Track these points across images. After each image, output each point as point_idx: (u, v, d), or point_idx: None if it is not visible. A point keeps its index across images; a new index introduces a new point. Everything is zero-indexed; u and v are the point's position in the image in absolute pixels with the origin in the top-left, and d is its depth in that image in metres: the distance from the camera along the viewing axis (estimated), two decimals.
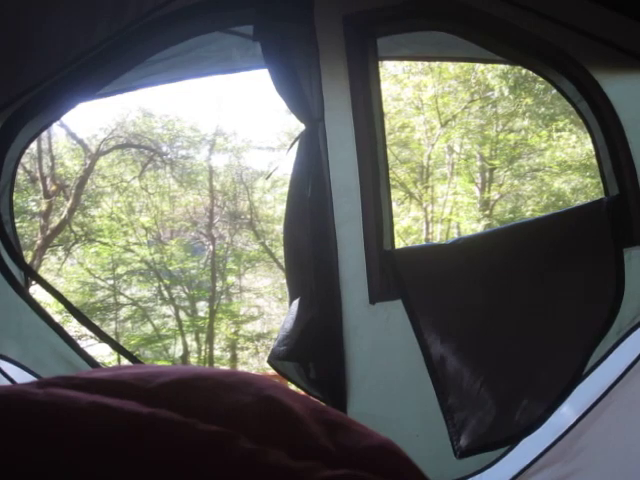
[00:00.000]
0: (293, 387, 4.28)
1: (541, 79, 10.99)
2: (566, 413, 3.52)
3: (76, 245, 16.84)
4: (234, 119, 22.33)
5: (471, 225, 16.33)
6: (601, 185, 3.65)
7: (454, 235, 16.35)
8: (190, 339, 16.83)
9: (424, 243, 14.73)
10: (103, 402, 1.10)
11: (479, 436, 3.45)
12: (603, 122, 3.53)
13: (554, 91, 13.36)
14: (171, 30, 3.60)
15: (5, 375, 4.02)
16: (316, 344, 3.70)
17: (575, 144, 15.40)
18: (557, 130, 15.48)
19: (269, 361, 3.85)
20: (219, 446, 1.05)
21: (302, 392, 3.88)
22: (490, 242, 3.84)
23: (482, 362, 3.52)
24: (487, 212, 16.43)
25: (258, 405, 1.17)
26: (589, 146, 13.46)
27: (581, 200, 15.33)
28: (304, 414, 1.19)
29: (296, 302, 3.72)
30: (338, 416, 1.27)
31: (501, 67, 14.02)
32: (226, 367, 17.12)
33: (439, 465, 3.51)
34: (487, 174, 16.95)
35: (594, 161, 3.89)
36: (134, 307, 16.90)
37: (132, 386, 1.18)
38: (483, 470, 3.73)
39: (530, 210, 16.16)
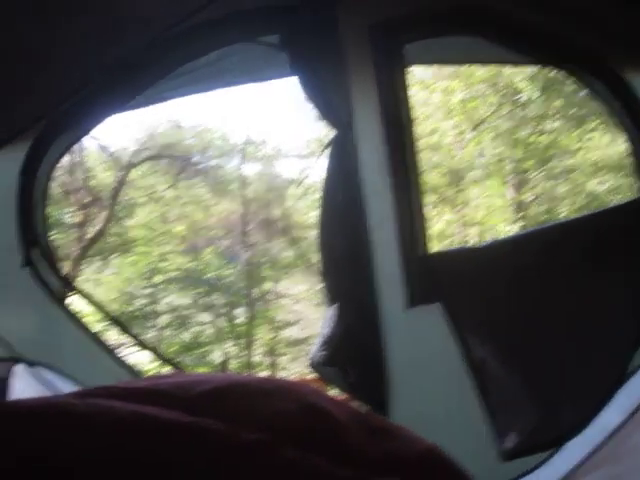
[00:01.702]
0: (333, 391, 4.27)
1: (571, 80, 10.90)
2: (613, 413, 3.46)
3: (113, 255, 16.97)
4: (264, 127, 22.35)
5: (505, 227, 16.19)
6: (636, 185, 3.61)
7: (489, 238, 16.23)
8: (229, 345, 16.86)
9: (460, 246, 14.65)
10: (143, 411, 1.10)
11: (524, 438, 3.42)
12: (637, 120, 3.49)
13: (584, 92, 13.24)
14: (198, 41, 3.61)
15: (47, 385, 4.05)
16: (355, 348, 3.70)
17: (608, 144, 15.21)
18: (589, 131, 15.32)
19: (309, 367, 3.85)
20: (262, 454, 1.05)
21: (342, 396, 3.89)
22: (527, 243, 3.82)
23: (525, 363, 3.49)
24: (521, 214, 16.29)
25: (300, 412, 1.16)
26: (622, 146, 13.28)
27: (616, 200, 15.12)
28: (347, 420, 1.18)
29: (334, 307, 3.71)
30: (381, 422, 1.26)
31: (529, 69, 13.89)
32: (265, 373, 17.14)
33: (484, 469, 3.47)
34: (520, 176, 16.81)
35: (627, 161, 3.84)
36: (172, 315, 16.99)
37: (172, 395, 1.19)
38: (529, 473, 3.68)
39: (564, 211, 16.00)
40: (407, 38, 3.69)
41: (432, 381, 3.75)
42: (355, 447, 1.12)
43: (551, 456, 3.63)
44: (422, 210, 3.79)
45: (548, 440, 3.43)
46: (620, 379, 3.34)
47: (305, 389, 1.28)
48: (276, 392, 1.23)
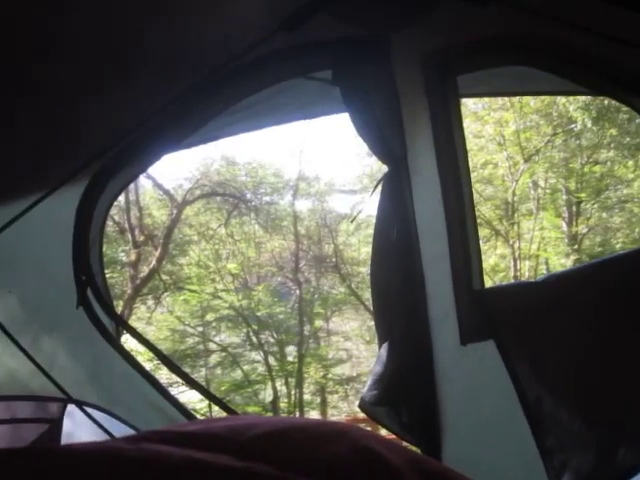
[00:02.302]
0: (384, 432, 4.22)
1: (625, 109, 10.80)
2: None
3: (165, 293, 17.16)
4: (316, 163, 22.54)
5: (560, 260, 16.05)
6: None
7: (543, 271, 16.09)
8: (279, 384, 16.89)
9: (514, 281, 14.50)
10: (196, 457, 1.09)
11: (581, 478, 3.33)
12: None
13: (639, 120, 13.10)
14: (251, 78, 3.64)
15: (99, 425, 4.08)
16: (407, 388, 3.65)
17: None
18: None
19: (360, 406, 3.80)
20: None
21: (393, 436, 3.83)
22: (583, 278, 3.74)
23: (581, 401, 3.41)
24: (576, 246, 16.12)
25: (354, 456, 1.13)
26: None
27: None
28: (401, 465, 1.15)
29: (385, 345, 3.68)
30: (436, 466, 1.23)
31: (583, 99, 13.81)
32: (316, 411, 17.10)
33: None
34: (574, 207, 16.67)
35: None
36: (223, 353, 17.08)
37: (225, 439, 1.17)
38: None
39: (620, 243, 15.81)
40: (459, 70, 3.67)
41: (486, 421, 3.69)
42: None
43: None
44: (477, 245, 3.74)
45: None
46: None
47: (359, 431, 1.25)
48: (329, 435, 1.20)
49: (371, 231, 3.82)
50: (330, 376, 17.42)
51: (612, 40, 3.29)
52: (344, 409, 17.24)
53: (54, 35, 2.65)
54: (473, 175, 14.47)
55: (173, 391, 12.35)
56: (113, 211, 14.35)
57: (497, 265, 16.49)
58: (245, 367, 16.97)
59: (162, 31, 2.97)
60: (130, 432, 3.62)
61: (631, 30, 3.23)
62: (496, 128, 15.84)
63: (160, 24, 2.91)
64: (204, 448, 1.13)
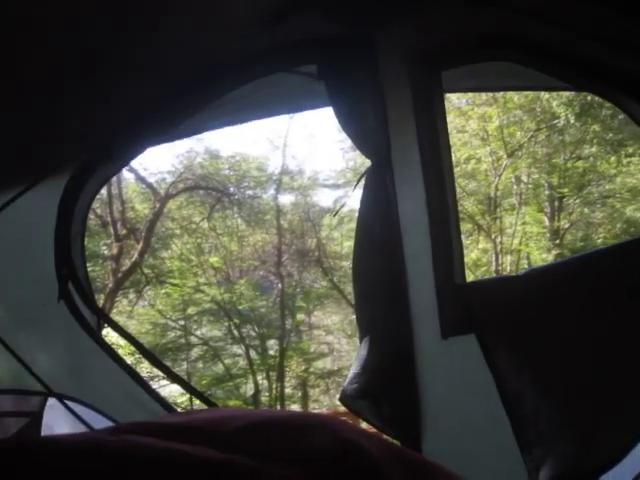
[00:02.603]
0: (365, 425, 4.23)
1: (608, 105, 10.85)
2: None
3: (147, 287, 17.10)
4: (299, 158, 22.49)
5: (542, 255, 16.09)
6: None
7: (525, 266, 16.13)
8: (261, 378, 16.87)
9: (496, 275, 14.56)
10: (178, 448, 1.09)
11: (561, 471, 3.34)
12: None
13: (622, 116, 13.16)
14: (236, 73, 3.63)
15: (80, 418, 4.07)
16: (388, 381, 3.65)
17: None
18: (627, 156, 15.21)
19: (341, 399, 3.81)
20: None
21: (374, 430, 3.84)
22: (564, 272, 3.76)
23: (561, 394, 3.43)
24: (557, 241, 16.18)
25: (334, 448, 1.14)
26: None
27: None
28: (381, 457, 1.15)
29: (367, 339, 3.68)
30: (416, 458, 1.24)
31: (566, 94, 13.85)
32: (297, 405, 17.10)
33: None
34: (556, 203, 16.73)
35: None
36: (205, 347, 17.04)
37: (206, 431, 1.17)
38: None
39: (602, 238, 15.87)
40: (443, 65, 3.68)
41: (467, 414, 3.70)
42: None
43: None
44: (459, 239, 3.76)
45: (585, 472, 3.35)
46: None
47: (339, 424, 1.26)
48: (310, 427, 1.21)
49: (354, 225, 3.82)
50: (312, 370, 17.41)
51: (596, 37, 3.31)
52: (325, 403, 17.24)
53: (38, 28, 2.64)
54: (456, 170, 14.52)
55: (154, 385, 12.33)
56: (95, 204, 14.27)
57: (479, 259, 16.53)
58: (226, 361, 16.93)
59: (147, 28, 2.96)
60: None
61: (614, 29, 3.26)
62: (480, 123, 15.85)
63: (145, 21, 2.90)
64: (185, 440, 1.13)
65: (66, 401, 4.11)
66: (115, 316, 15.11)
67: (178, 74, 3.47)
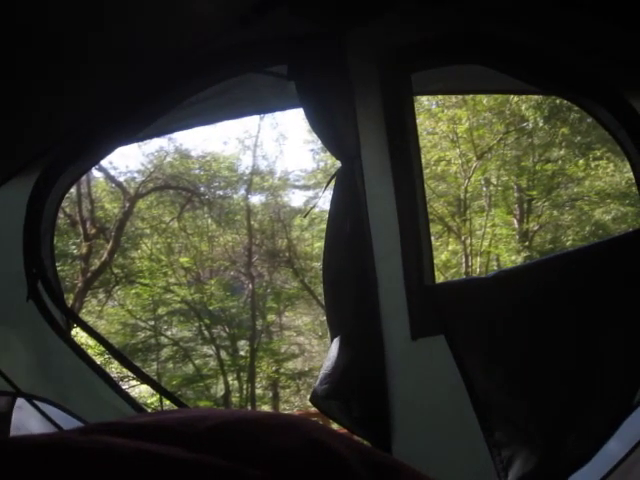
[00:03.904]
0: (335, 426, 4.24)
1: (576, 108, 10.94)
2: (615, 447, 3.43)
3: (117, 287, 17.01)
4: (270, 158, 22.47)
5: (511, 257, 16.22)
6: None
7: (494, 268, 16.24)
8: (231, 378, 16.84)
9: (465, 277, 14.63)
10: (147, 449, 1.09)
11: (529, 471, 3.37)
12: None
13: (590, 119, 13.29)
14: (206, 73, 3.63)
15: (48, 419, 4.04)
16: (358, 382, 3.66)
17: (614, 172, 15.26)
18: (595, 159, 15.37)
19: (311, 400, 3.81)
20: None
21: (345, 431, 3.84)
22: (532, 274, 3.79)
23: (530, 395, 3.46)
24: (527, 243, 16.32)
25: (304, 449, 1.14)
26: (628, 174, 13.33)
27: (622, 229, 15.15)
28: (351, 457, 1.16)
29: (337, 340, 3.69)
30: (385, 458, 1.24)
31: (535, 97, 13.97)
32: (268, 405, 17.09)
33: None
34: (525, 205, 16.87)
35: (634, 189, 3.84)
36: (175, 347, 16.98)
37: (176, 432, 1.17)
38: None
39: (570, 240, 16.02)
40: (413, 67, 3.70)
41: (436, 415, 3.72)
42: None
43: None
44: (429, 241, 3.78)
45: (553, 472, 3.38)
46: (626, 410, 3.31)
47: (309, 424, 1.27)
48: (279, 427, 1.21)
49: (324, 226, 3.82)
50: (282, 371, 17.41)
51: (565, 42, 3.34)
52: (296, 403, 17.24)
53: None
54: (426, 172, 14.60)
55: (124, 385, 12.27)
56: (64, 203, 14.17)
57: (449, 261, 16.62)
58: (197, 361, 16.89)
59: (116, 25, 2.95)
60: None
61: (581, 33, 3.29)
62: (449, 125, 15.94)
63: (114, 18, 2.89)
64: (155, 440, 1.13)
65: (35, 401, 4.08)
66: (84, 316, 15.02)
67: (147, 73, 3.45)
